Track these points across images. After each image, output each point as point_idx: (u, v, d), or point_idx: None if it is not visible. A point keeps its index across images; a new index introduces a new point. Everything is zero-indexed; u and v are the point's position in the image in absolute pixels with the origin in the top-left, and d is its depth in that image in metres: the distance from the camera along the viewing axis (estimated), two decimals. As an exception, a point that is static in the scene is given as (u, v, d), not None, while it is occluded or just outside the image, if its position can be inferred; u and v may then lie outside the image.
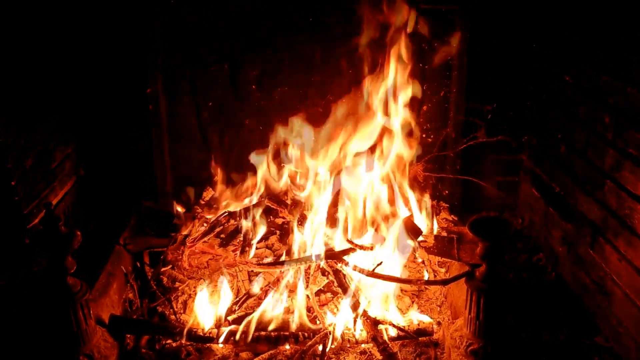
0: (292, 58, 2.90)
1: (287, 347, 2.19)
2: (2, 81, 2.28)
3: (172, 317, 2.38)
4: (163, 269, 2.62)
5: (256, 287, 2.41)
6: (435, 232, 2.73)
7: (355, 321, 2.25)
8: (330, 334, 2.18)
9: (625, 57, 2.14)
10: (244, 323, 2.21)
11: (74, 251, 1.92)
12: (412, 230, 2.54)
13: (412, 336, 2.24)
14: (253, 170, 2.91)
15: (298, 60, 2.88)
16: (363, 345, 2.24)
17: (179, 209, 2.92)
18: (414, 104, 2.86)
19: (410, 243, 2.46)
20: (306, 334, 2.20)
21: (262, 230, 2.66)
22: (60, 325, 1.95)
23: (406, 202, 2.77)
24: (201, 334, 2.22)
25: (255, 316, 2.24)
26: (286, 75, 2.93)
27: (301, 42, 2.81)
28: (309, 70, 2.90)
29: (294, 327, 2.25)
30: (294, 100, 2.93)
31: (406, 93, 2.77)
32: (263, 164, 2.86)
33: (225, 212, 2.78)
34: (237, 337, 2.18)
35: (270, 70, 2.94)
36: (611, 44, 2.24)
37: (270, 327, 2.24)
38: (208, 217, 2.82)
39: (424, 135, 3.08)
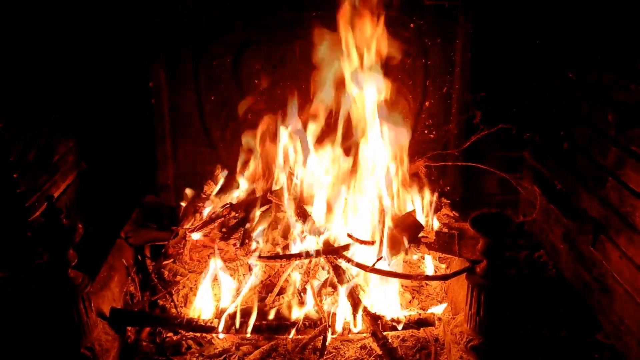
0: (296, 52, 2.89)
1: (290, 336, 2.20)
2: (4, 74, 2.28)
3: (173, 310, 2.38)
4: (164, 263, 2.62)
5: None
6: (436, 228, 2.73)
7: (354, 316, 2.25)
8: (329, 326, 2.18)
9: (628, 54, 2.13)
10: (241, 312, 2.23)
11: (75, 244, 1.92)
12: (414, 226, 2.54)
13: (413, 326, 2.24)
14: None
15: (302, 54, 2.87)
16: (364, 341, 2.24)
17: (181, 203, 2.93)
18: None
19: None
20: (307, 323, 2.21)
21: (263, 223, 2.66)
22: (61, 317, 1.95)
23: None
24: (202, 324, 2.23)
25: (255, 305, 2.25)
26: (290, 69, 2.92)
27: (304, 36, 2.79)
28: (312, 64, 2.88)
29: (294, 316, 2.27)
30: (297, 95, 2.92)
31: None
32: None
33: (227, 204, 2.78)
34: (237, 325, 2.19)
35: (274, 65, 2.93)
36: (614, 41, 2.23)
37: (271, 317, 2.26)
38: (209, 208, 2.82)
39: (425, 132, 3.07)
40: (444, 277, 2.30)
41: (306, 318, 2.26)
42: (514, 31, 2.85)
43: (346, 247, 2.42)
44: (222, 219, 2.72)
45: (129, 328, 2.27)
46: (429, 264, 2.62)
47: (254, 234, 2.58)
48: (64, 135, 2.81)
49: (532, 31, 2.84)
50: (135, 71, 2.90)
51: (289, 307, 2.33)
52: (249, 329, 2.19)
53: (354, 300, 2.26)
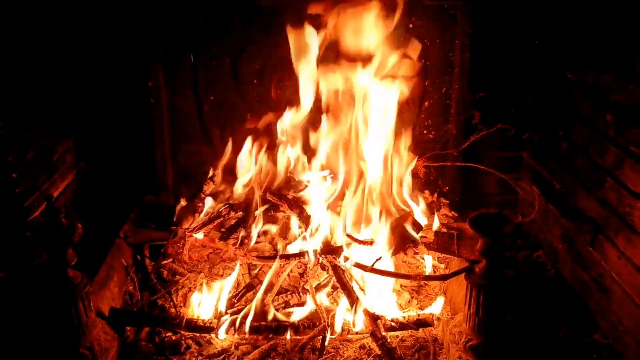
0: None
1: (288, 337, 2.20)
2: (4, 74, 2.28)
3: (172, 310, 2.39)
4: (163, 262, 2.62)
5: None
6: (435, 228, 2.73)
7: (354, 316, 2.25)
8: (328, 326, 2.18)
9: (628, 55, 2.13)
10: (243, 311, 2.23)
11: (74, 244, 1.92)
12: (412, 225, 2.54)
13: (412, 327, 2.25)
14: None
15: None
16: (363, 341, 2.25)
17: (181, 202, 2.93)
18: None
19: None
20: (306, 324, 2.22)
21: (261, 223, 2.66)
22: (60, 317, 1.95)
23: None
24: (201, 324, 2.23)
25: (253, 304, 2.25)
26: (289, 69, 2.92)
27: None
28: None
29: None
30: (296, 94, 2.92)
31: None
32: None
33: (226, 204, 2.78)
34: (237, 325, 2.19)
35: (273, 64, 2.93)
36: (614, 41, 2.23)
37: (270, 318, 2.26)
38: (208, 208, 2.82)
39: (424, 132, 3.07)
40: (443, 277, 2.30)
41: (305, 318, 2.26)
42: (514, 31, 2.85)
43: (344, 247, 2.42)
44: (221, 218, 2.72)
45: (128, 328, 2.27)
46: (428, 264, 2.62)
47: (252, 234, 2.58)
48: (63, 134, 2.80)
49: (532, 31, 2.84)
50: (135, 71, 2.90)
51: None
52: (248, 329, 2.19)
53: (353, 300, 2.26)
